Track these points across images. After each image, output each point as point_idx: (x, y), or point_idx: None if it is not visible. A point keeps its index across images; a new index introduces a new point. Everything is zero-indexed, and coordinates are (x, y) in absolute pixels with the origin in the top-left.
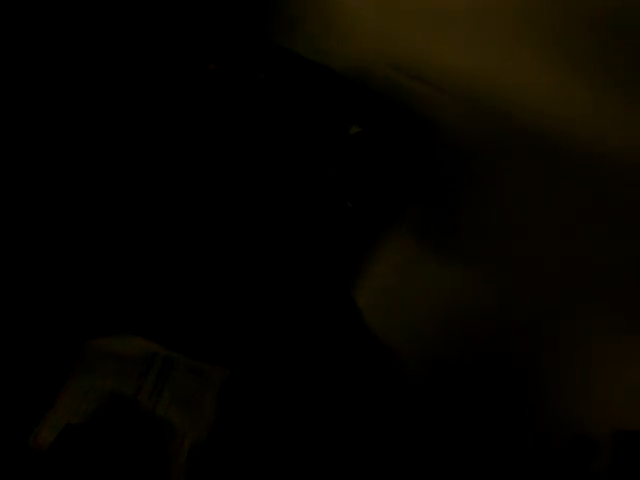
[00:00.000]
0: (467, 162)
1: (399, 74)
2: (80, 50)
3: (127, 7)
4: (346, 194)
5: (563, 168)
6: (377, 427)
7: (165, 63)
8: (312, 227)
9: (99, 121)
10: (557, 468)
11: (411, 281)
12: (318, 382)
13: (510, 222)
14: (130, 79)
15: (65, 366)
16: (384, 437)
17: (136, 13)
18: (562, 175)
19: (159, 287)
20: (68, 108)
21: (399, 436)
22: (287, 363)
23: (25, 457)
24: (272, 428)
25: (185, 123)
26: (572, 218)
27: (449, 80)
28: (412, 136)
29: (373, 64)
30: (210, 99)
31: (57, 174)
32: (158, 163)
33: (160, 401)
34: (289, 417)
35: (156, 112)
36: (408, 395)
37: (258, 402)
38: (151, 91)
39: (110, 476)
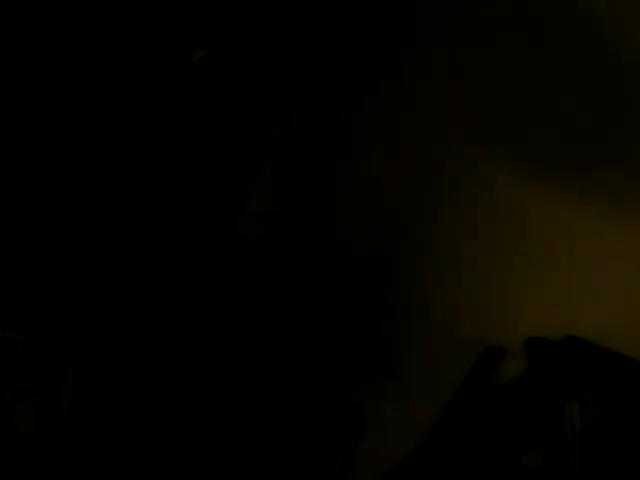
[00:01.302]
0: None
1: None
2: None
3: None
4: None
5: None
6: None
7: None
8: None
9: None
10: (468, 376)
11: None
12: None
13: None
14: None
15: None
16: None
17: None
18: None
19: None
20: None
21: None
22: (153, 322)
23: None
24: (138, 402)
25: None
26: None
27: None
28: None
29: None
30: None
31: None
32: None
33: (4, 395)
34: (159, 386)
35: None
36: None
37: (123, 375)
38: None
39: None
